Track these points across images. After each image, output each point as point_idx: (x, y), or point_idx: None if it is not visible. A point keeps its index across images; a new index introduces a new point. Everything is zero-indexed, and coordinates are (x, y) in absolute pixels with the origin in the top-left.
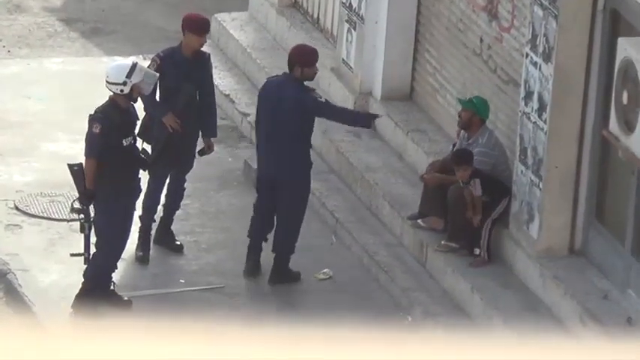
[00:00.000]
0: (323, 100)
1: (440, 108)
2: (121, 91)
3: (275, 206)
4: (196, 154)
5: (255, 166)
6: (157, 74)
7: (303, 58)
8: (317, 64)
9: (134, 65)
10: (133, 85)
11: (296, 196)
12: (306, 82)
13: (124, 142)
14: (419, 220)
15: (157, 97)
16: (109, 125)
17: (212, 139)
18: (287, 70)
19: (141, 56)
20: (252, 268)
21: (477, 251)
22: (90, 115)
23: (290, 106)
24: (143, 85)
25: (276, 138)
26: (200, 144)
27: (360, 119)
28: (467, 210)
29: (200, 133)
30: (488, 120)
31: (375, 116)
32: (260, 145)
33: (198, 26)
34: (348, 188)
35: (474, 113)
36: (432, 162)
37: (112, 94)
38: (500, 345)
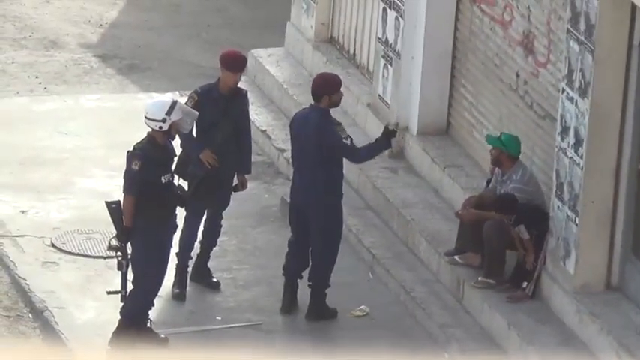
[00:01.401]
0: (348, 142)
1: (476, 143)
2: (160, 128)
3: (308, 242)
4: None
5: None
6: (197, 112)
7: (329, 86)
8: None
9: (174, 103)
10: (172, 123)
11: (325, 225)
12: (332, 109)
13: (162, 179)
14: (456, 256)
15: (194, 134)
16: (148, 162)
17: (246, 176)
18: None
19: (177, 92)
20: (289, 304)
21: (524, 284)
22: (129, 152)
23: (313, 137)
24: (182, 122)
25: (303, 167)
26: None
27: (378, 147)
28: (518, 251)
29: None
30: (524, 155)
31: (389, 134)
32: (292, 176)
33: (232, 64)
34: (384, 224)
35: (502, 151)
36: (467, 198)
37: (150, 130)
38: None
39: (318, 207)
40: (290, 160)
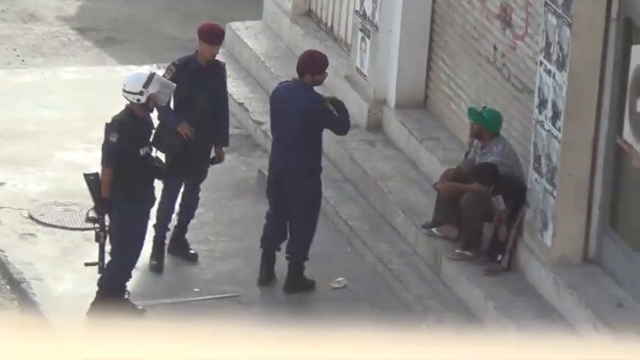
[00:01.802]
0: (336, 114)
1: (454, 116)
2: (138, 100)
3: (287, 214)
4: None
5: None
6: (174, 85)
7: (314, 65)
8: (327, 70)
9: (152, 75)
10: (150, 95)
11: (305, 198)
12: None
13: (140, 151)
14: (433, 229)
15: (172, 106)
16: (126, 134)
17: (224, 149)
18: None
19: (155, 65)
20: (266, 277)
21: (499, 257)
22: (107, 124)
23: (298, 112)
24: (160, 95)
25: (284, 141)
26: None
27: (343, 116)
28: (493, 222)
29: None
30: (503, 128)
31: (331, 100)
32: (271, 148)
33: (210, 36)
34: (362, 197)
35: (483, 127)
36: (445, 170)
37: (128, 103)
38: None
39: (297, 181)
40: (267, 133)
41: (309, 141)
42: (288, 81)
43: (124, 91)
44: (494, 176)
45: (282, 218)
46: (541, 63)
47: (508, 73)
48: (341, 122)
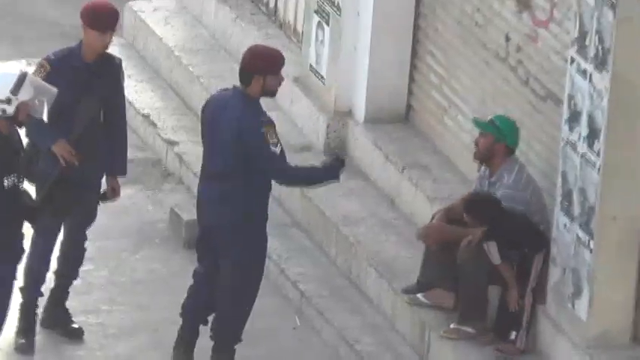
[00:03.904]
0: (277, 150)
1: (448, 134)
2: (3, 111)
3: None
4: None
5: (185, 216)
6: (55, 89)
7: (267, 63)
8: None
9: (23, 76)
10: (20, 104)
11: (239, 255)
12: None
13: (4, 181)
14: (419, 295)
15: (45, 118)
16: None
17: (120, 179)
18: (238, 84)
19: (24, 61)
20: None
21: (512, 335)
22: None
23: (233, 134)
24: (34, 104)
25: (213, 173)
26: (103, 185)
27: (322, 173)
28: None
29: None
30: (517, 150)
31: (342, 159)
32: (199, 183)
33: (99, 20)
34: (318, 248)
35: (496, 140)
36: (436, 211)
37: None
38: None
39: (231, 231)
40: (183, 157)
41: (247, 173)
42: (226, 89)
43: None
44: (493, 212)
45: (216, 280)
46: (572, 60)
47: (526, 74)
48: (276, 160)
